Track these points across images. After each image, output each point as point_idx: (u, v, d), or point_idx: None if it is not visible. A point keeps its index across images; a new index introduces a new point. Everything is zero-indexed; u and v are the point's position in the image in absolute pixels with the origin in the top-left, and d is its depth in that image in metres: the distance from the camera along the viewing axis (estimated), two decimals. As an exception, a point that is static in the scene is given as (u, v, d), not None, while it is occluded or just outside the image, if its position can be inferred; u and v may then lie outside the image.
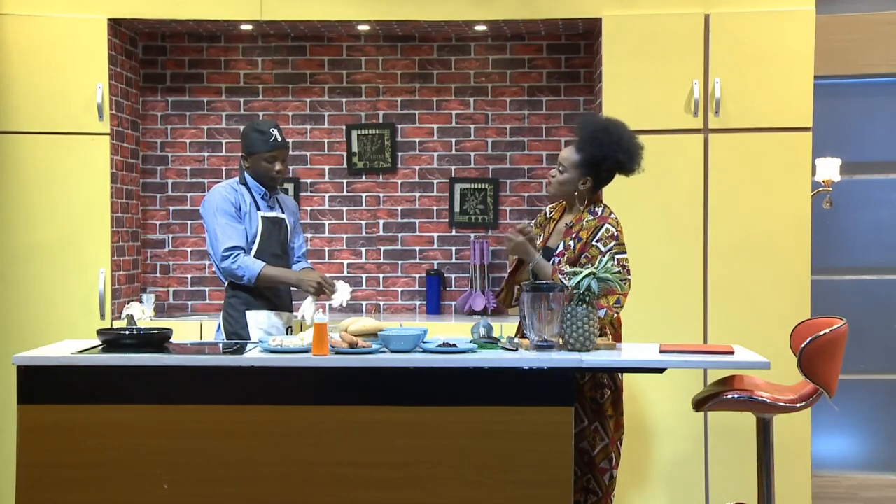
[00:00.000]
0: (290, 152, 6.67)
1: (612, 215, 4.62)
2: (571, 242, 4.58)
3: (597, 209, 4.65)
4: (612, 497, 4.60)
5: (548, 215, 4.83)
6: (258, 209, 5.01)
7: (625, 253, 4.55)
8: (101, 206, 6.01)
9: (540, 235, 4.76)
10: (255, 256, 4.94)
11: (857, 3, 6.82)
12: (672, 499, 5.88)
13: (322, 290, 4.86)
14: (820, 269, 6.62)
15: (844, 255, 6.93)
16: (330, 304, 4.89)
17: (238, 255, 4.88)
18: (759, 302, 5.81)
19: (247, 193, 5.02)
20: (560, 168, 4.68)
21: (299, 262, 5.22)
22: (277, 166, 4.99)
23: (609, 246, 4.52)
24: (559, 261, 4.58)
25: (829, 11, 6.61)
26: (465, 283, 6.67)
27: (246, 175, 5.05)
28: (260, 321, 4.94)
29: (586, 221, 4.61)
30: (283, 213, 5.11)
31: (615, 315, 4.51)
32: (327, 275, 5.23)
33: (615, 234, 4.55)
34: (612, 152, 4.61)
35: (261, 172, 5.01)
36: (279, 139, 4.99)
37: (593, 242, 4.53)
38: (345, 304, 4.85)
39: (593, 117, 4.91)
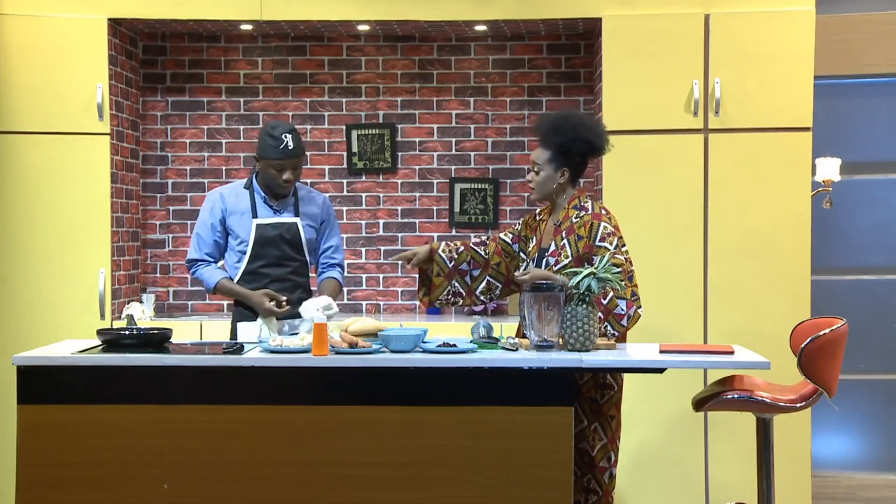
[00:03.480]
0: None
1: (604, 211, 4.62)
2: (564, 241, 4.58)
3: (584, 204, 4.63)
4: (612, 495, 4.61)
5: (537, 218, 4.83)
6: (255, 216, 4.91)
7: (625, 245, 4.56)
8: (101, 206, 6.01)
9: (533, 238, 4.76)
10: (248, 263, 4.91)
11: (857, 3, 6.82)
12: (672, 499, 5.88)
13: (273, 313, 4.82)
14: (820, 269, 6.62)
15: (844, 255, 6.93)
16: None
17: (198, 266, 4.98)
18: (759, 302, 5.81)
19: (247, 198, 4.94)
20: (535, 170, 4.65)
21: (324, 272, 5.06)
22: (286, 175, 4.83)
23: (615, 243, 4.53)
24: (555, 261, 4.58)
25: (829, 11, 6.61)
26: (465, 283, 6.67)
27: (254, 178, 4.97)
28: (250, 333, 4.90)
29: (576, 218, 4.59)
30: (295, 216, 4.96)
31: (640, 312, 4.49)
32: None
33: (612, 230, 4.56)
34: (577, 134, 4.61)
35: (268, 179, 4.89)
36: (290, 147, 4.80)
37: (598, 243, 4.52)
38: (322, 315, 4.53)
39: (548, 114, 4.92)
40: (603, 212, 4.61)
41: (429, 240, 6.64)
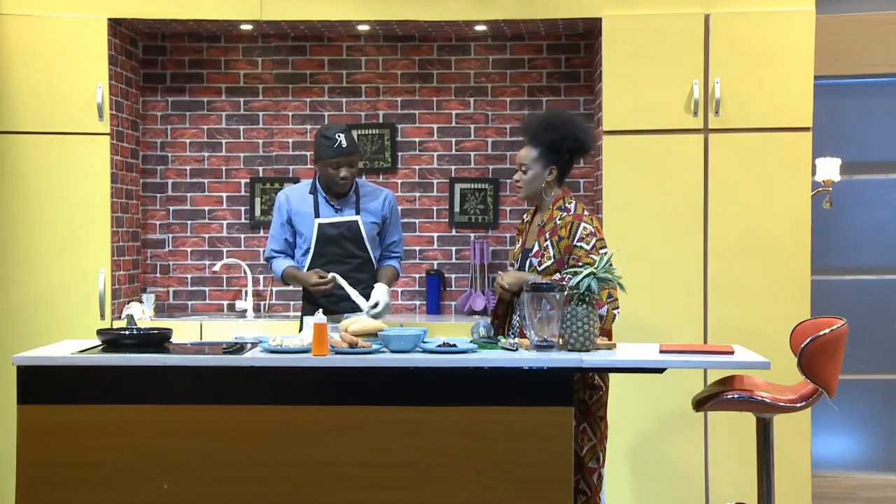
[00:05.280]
0: (290, 152, 6.69)
1: (586, 212, 4.63)
2: (548, 243, 4.59)
3: (567, 205, 4.64)
4: (601, 495, 4.61)
5: (524, 220, 4.87)
6: (317, 215, 5.10)
7: (606, 247, 4.56)
8: (101, 206, 6.01)
9: (519, 241, 4.79)
10: (311, 261, 5.11)
11: (857, 3, 6.82)
12: (672, 499, 5.88)
13: (321, 292, 5.01)
14: (820, 269, 6.62)
15: (844, 255, 6.93)
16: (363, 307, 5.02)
17: (272, 261, 5.25)
18: (759, 302, 5.81)
19: (310, 198, 5.13)
20: (523, 168, 4.70)
21: (383, 262, 5.25)
22: (342, 173, 5.04)
23: (592, 243, 4.54)
24: (538, 261, 4.60)
25: (829, 11, 6.61)
26: (465, 283, 6.67)
27: (317, 181, 5.15)
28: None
29: (559, 219, 4.61)
30: (356, 214, 5.13)
31: (616, 313, 4.50)
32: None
33: (593, 230, 4.57)
34: (568, 131, 4.64)
35: (327, 178, 5.09)
36: (344, 145, 5.02)
37: (576, 243, 4.54)
38: (370, 308, 4.98)
39: (536, 113, 4.98)
40: (585, 213, 4.63)
41: (431, 240, 6.65)
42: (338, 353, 4.27)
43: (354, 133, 6.64)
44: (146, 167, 6.70)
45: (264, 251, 5.42)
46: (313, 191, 5.17)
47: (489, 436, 4.16)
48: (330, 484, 4.17)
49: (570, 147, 4.66)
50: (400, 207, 6.62)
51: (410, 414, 4.18)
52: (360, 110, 6.69)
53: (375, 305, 5.00)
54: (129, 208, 6.40)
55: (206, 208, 6.72)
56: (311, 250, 5.12)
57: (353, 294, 5.01)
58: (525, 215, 4.88)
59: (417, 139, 6.69)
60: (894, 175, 6.97)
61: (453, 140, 6.68)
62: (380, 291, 5.04)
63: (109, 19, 6.04)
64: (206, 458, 4.19)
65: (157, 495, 4.19)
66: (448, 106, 6.68)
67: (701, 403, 4.61)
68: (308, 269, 5.13)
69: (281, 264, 5.21)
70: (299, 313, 6.24)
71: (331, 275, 5.01)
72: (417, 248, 6.67)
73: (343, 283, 5.01)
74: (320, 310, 4.59)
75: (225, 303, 6.69)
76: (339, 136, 5.02)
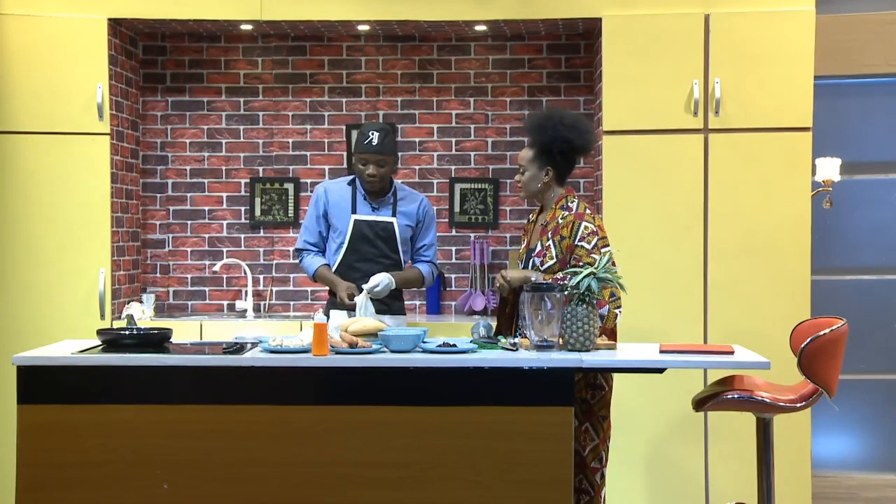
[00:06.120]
0: (290, 152, 6.69)
1: (588, 210, 4.64)
2: (550, 242, 4.60)
3: (570, 204, 4.65)
4: (603, 495, 4.62)
5: (530, 219, 4.88)
6: (354, 211, 5.11)
7: (608, 246, 4.56)
8: (101, 206, 6.01)
9: (524, 241, 4.80)
10: (343, 256, 5.11)
11: (857, 3, 6.82)
12: (672, 499, 5.88)
13: (347, 300, 4.98)
14: (820, 269, 6.62)
15: (844, 255, 6.93)
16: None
17: (304, 255, 5.24)
18: (759, 302, 5.81)
19: (349, 194, 5.15)
20: (521, 170, 4.73)
21: (413, 263, 5.26)
22: (369, 169, 5.05)
23: (593, 242, 4.54)
24: (540, 261, 4.60)
25: (829, 11, 6.61)
26: (465, 283, 6.67)
27: (357, 176, 5.18)
28: (337, 322, 5.02)
29: (561, 219, 4.62)
30: (392, 216, 5.14)
31: (618, 312, 4.50)
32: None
33: (594, 229, 4.57)
34: (557, 132, 4.64)
35: (357, 173, 5.12)
36: (373, 143, 5.03)
37: (577, 242, 4.54)
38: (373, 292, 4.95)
39: (535, 112, 5.00)
40: (587, 211, 4.63)
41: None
42: (338, 353, 4.27)
43: (354, 133, 6.63)
44: (146, 167, 6.70)
45: (296, 244, 5.39)
46: (351, 183, 5.19)
47: (489, 436, 4.16)
48: (330, 484, 4.18)
49: (560, 149, 4.66)
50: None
51: (410, 414, 4.18)
52: (360, 110, 6.69)
53: (374, 284, 4.96)
54: (129, 208, 6.40)
55: (206, 208, 6.72)
56: (345, 246, 5.12)
57: (363, 308, 4.95)
58: (531, 215, 4.89)
59: (417, 139, 6.69)
60: (894, 175, 6.97)
61: (453, 140, 6.68)
62: (379, 276, 5.00)
63: (109, 19, 6.04)
64: (206, 458, 4.19)
65: (157, 495, 4.19)
66: (448, 106, 6.68)
67: (701, 403, 4.61)
68: (339, 264, 5.11)
69: (314, 262, 5.20)
70: (299, 313, 6.27)
71: (358, 297, 4.93)
72: (417, 248, 6.67)
73: (359, 302, 4.95)
74: (320, 310, 4.61)
75: (225, 303, 6.69)
76: (372, 133, 5.04)
